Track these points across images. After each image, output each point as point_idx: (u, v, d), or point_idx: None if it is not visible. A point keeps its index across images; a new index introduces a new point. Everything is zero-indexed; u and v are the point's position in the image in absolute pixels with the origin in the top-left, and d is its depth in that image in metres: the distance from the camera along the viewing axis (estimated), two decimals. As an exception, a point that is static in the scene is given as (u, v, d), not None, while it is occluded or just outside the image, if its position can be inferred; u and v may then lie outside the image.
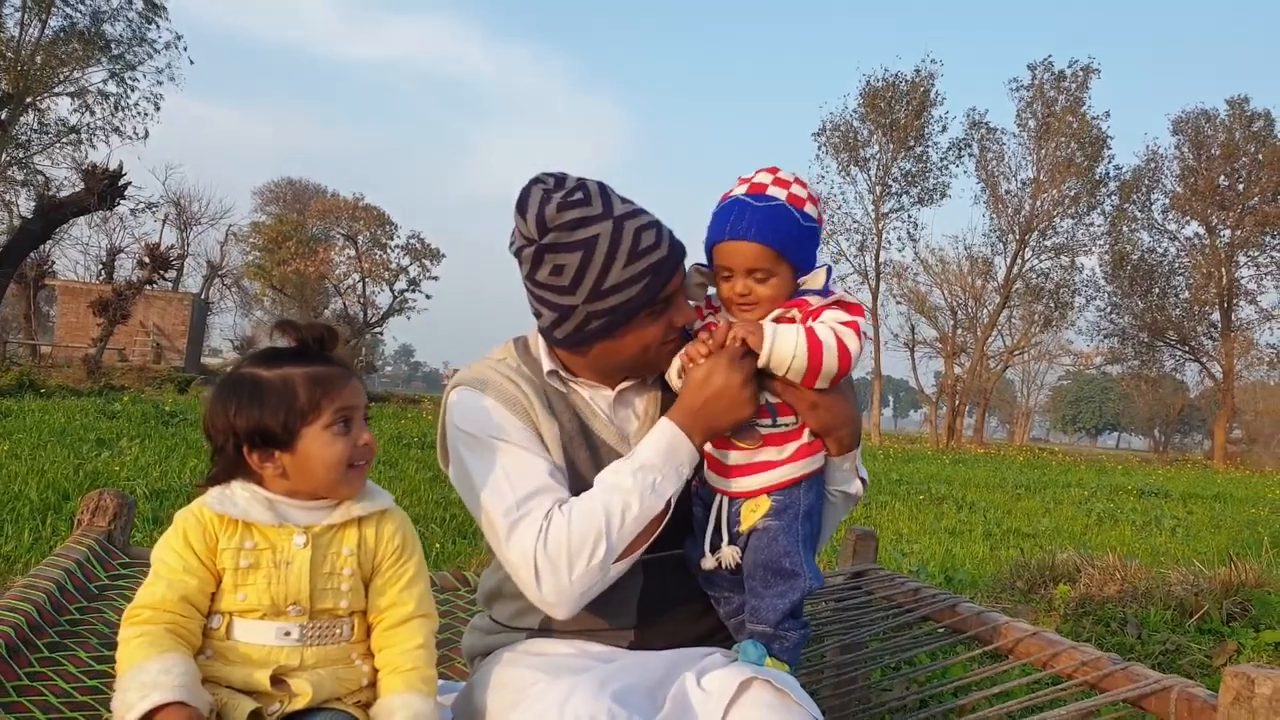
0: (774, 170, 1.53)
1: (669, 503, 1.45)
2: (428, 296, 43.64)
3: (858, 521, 7.95)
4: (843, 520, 1.72)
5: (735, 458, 1.51)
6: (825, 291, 1.51)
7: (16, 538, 4.64)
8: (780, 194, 1.48)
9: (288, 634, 1.31)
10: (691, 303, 1.57)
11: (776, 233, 1.46)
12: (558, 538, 1.39)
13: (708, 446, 1.52)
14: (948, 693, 2.61)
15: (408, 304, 43.63)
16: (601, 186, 1.51)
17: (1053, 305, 35.13)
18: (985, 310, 35.40)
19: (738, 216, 1.47)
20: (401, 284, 43.40)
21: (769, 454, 1.50)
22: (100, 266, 36.50)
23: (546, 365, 1.59)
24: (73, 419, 11.01)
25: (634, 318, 1.49)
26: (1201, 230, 35.08)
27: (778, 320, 1.49)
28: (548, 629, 1.57)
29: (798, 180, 1.52)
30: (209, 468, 1.36)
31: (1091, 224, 34.61)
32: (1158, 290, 35.67)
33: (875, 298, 34.00)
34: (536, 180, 1.50)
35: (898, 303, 35.99)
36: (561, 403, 1.58)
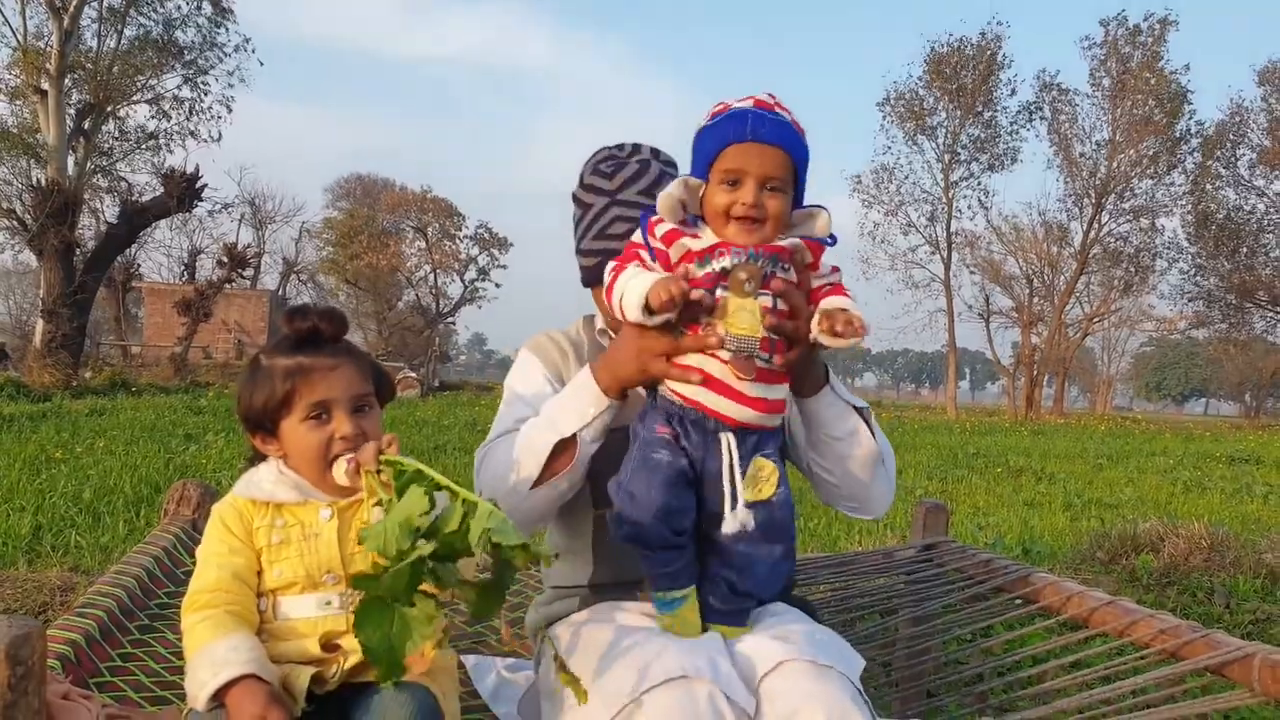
0: (772, 95, 1.40)
1: (576, 436, 1.48)
2: (497, 285, 44.16)
3: (931, 495, 7.84)
4: (885, 481, 1.65)
5: (732, 382, 1.36)
6: (833, 239, 1.40)
7: (113, 529, 4.85)
8: (786, 116, 1.38)
9: (329, 603, 1.36)
10: (664, 222, 1.43)
11: (796, 145, 1.37)
12: (489, 468, 1.58)
13: (709, 366, 1.37)
14: (1025, 662, 2.57)
15: (478, 293, 44.20)
16: (641, 168, 1.66)
17: (1133, 270, 33.95)
18: (1062, 277, 34.40)
19: (757, 121, 1.34)
20: (471, 274, 43.98)
21: (762, 390, 1.37)
22: (183, 268, 37.68)
23: (599, 324, 1.77)
24: (162, 415, 11.43)
25: (593, 283, 1.68)
26: (1292, 185, 33.55)
27: (833, 289, 1.39)
28: (597, 584, 1.65)
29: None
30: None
31: (1172, 184, 33.33)
32: (1245, 250, 34.20)
33: (948, 268, 33.33)
34: (612, 145, 1.74)
35: (971, 273, 35.20)
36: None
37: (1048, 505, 7.70)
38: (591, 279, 1.68)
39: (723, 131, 1.36)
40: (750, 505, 1.38)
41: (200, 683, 1.23)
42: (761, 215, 1.34)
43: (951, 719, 2.15)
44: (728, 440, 1.38)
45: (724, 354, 1.35)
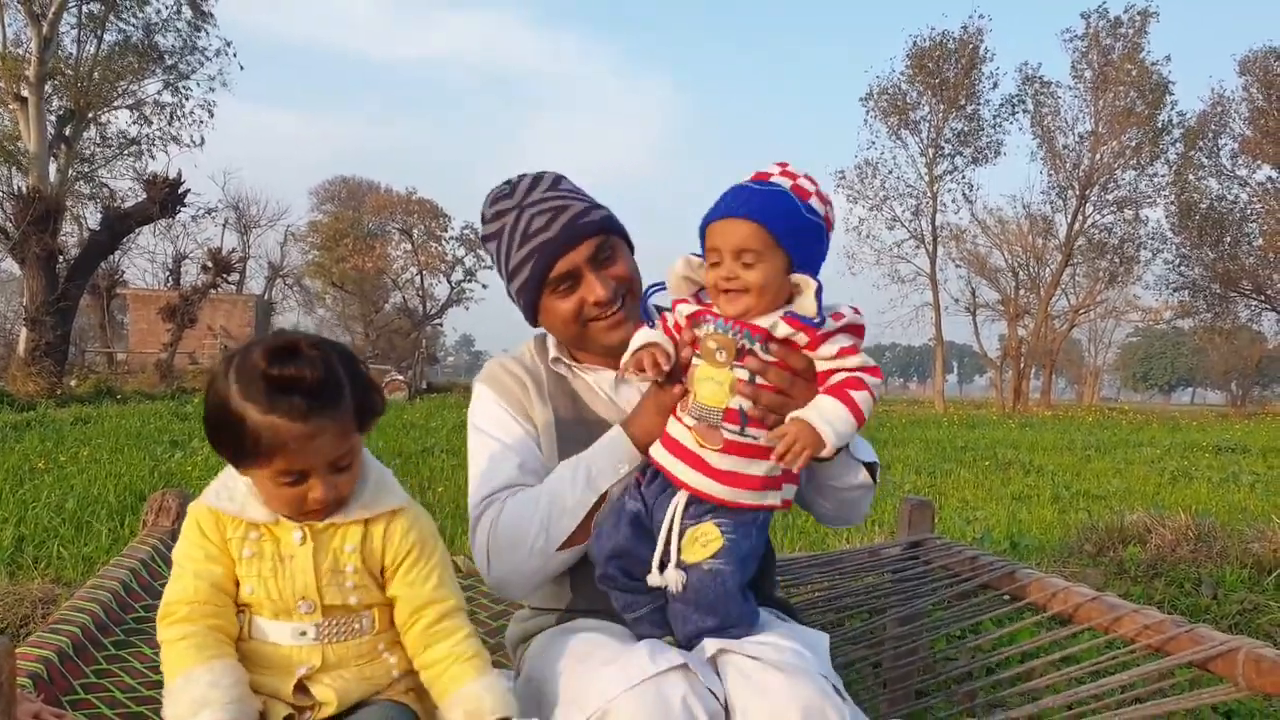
0: (784, 164, 1.43)
1: (605, 495, 1.50)
2: (484, 286, 44.09)
3: (919, 489, 7.85)
4: (869, 502, 1.70)
5: (695, 448, 1.39)
6: (820, 320, 1.36)
7: (97, 539, 4.81)
8: (784, 182, 1.40)
9: (303, 634, 1.29)
10: (670, 297, 1.49)
11: (770, 213, 1.36)
12: (503, 530, 1.52)
13: (672, 428, 1.43)
14: (1013, 659, 2.57)
15: (465, 294, 44.17)
16: (536, 178, 1.64)
17: (1118, 261, 34.15)
18: (1047, 269, 34.60)
19: (733, 197, 1.39)
20: (458, 275, 43.93)
21: (732, 463, 1.37)
22: (167, 273, 37.45)
23: (552, 353, 1.73)
24: (147, 422, 11.37)
25: (539, 296, 1.61)
26: (1275, 174, 33.70)
27: (848, 381, 1.36)
28: (574, 609, 1.63)
29: (809, 177, 1.43)
30: None
31: (1155, 174, 33.50)
32: (1229, 239, 34.38)
33: (933, 262, 33.45)
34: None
35: (957, 266, 35.39)
36: (560, 388, 1.69)
37: (1036, 498, 7.71)
38: (534, 281, 1.59)
39: (710, 212, 1.41)
40: (682, 567, 1.40)
41: (178, 718, 1.19)
42: (739, 286, 1.37)
43: (940, 718, 2.15)
44: (678, 497, 1.41)
45: (688, 420, 1.39)
